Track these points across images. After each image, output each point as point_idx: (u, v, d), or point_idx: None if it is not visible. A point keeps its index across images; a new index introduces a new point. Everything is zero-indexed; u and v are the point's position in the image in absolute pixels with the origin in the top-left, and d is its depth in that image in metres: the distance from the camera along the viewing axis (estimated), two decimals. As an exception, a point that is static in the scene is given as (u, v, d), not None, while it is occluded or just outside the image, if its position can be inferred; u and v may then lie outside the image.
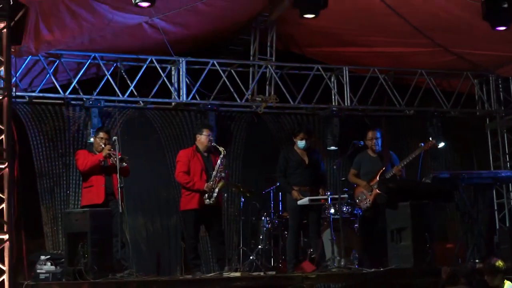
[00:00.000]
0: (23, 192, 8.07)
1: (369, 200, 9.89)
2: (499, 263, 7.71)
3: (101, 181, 9.33)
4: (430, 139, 10.36)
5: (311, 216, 9.71)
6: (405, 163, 9.95)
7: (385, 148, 10.41)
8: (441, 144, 12.38)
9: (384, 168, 9.96)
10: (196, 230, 9.63)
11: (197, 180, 9.43)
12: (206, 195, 9.38)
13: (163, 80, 11.26)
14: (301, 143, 9.76)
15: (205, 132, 9.65)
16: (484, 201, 10.22)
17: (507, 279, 8.26)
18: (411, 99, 12.51)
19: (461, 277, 7.79)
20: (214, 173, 9.42)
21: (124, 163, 9.28)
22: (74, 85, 10.82)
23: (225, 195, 10.58)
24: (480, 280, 8.03)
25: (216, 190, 9.38)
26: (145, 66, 11.18)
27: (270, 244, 10.76)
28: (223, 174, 9.48)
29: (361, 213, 10.23)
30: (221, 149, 9.51)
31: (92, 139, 10.26)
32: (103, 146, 9.37)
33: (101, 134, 9.53)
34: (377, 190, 9.80)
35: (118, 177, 9.14)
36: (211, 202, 9.37)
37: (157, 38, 10.43)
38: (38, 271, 8.32)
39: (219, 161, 9.46)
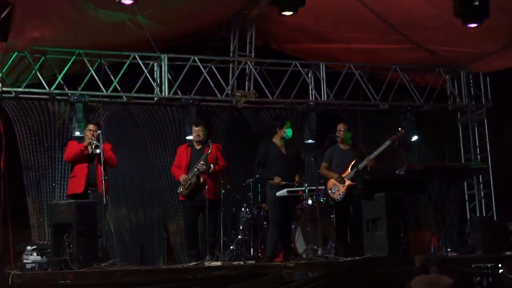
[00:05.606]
0: (9, 184, 7.98)
1: (343, 192, 9.87)
2: None
3: (83, 171, 9.49)
4: (400, 129, 10.40)
5: (288, 207, 9.90)
6: (376, 153, 9.94)
7: (356, 141, 10.62)
8: (415, 137, 12.63)
9: (355, 160, 9.96)
10: (190, 221, 9.80)
11: (181, 173, 9.71)
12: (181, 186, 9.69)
13: (146, 76, 11.37)
14: (289, 131, 9.92)
15: (193, 128, 9.89)
16: (455, 192, 10.35)
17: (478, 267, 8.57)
18: (386, 94, 12.62)
19: (432, 265, 8.06)
20: (195, 168, 9.60)
21: (97, 150, 9.30)
22: (59, 81, 10.92)
23: (223, 190, 10.75)
24: (452, 269, 8.33)
25: (189, 182, 9.58)
26: (128, 62, 11.29)
27: (249, 234, 10.95)
28: (208, 169, 9.46)
29: (333, 204, 10.34)
30: (209, 144, 9.58)
31: (77, 133, 10.55)
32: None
33: (90, 126, 9.68)
34: (350, 182, 9.85)
35: (102, 169, 9.26)
36: (180, 191, 9.67)
37: (140, 35, 10.53)
38: (25, 261, 8.37)
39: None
